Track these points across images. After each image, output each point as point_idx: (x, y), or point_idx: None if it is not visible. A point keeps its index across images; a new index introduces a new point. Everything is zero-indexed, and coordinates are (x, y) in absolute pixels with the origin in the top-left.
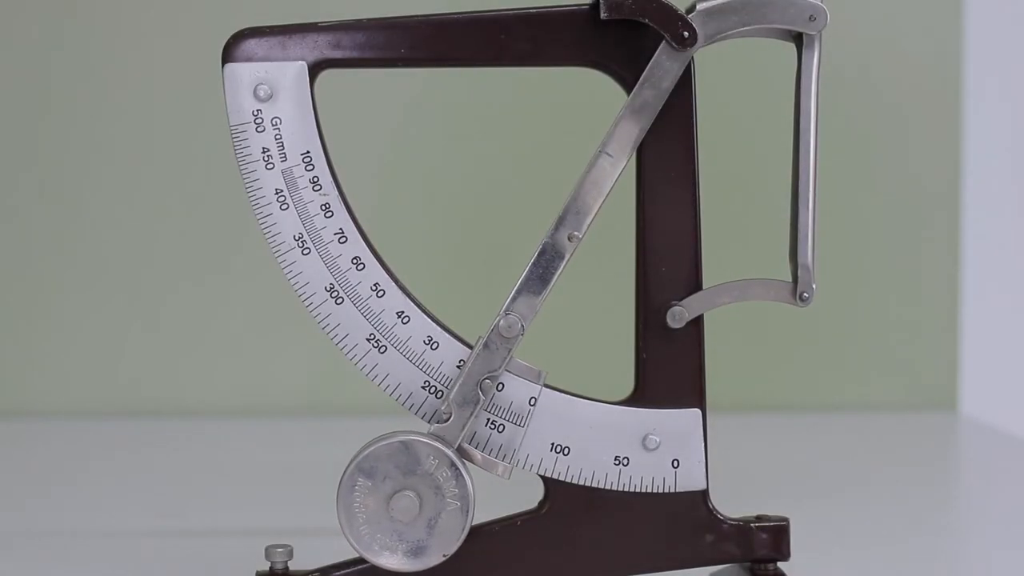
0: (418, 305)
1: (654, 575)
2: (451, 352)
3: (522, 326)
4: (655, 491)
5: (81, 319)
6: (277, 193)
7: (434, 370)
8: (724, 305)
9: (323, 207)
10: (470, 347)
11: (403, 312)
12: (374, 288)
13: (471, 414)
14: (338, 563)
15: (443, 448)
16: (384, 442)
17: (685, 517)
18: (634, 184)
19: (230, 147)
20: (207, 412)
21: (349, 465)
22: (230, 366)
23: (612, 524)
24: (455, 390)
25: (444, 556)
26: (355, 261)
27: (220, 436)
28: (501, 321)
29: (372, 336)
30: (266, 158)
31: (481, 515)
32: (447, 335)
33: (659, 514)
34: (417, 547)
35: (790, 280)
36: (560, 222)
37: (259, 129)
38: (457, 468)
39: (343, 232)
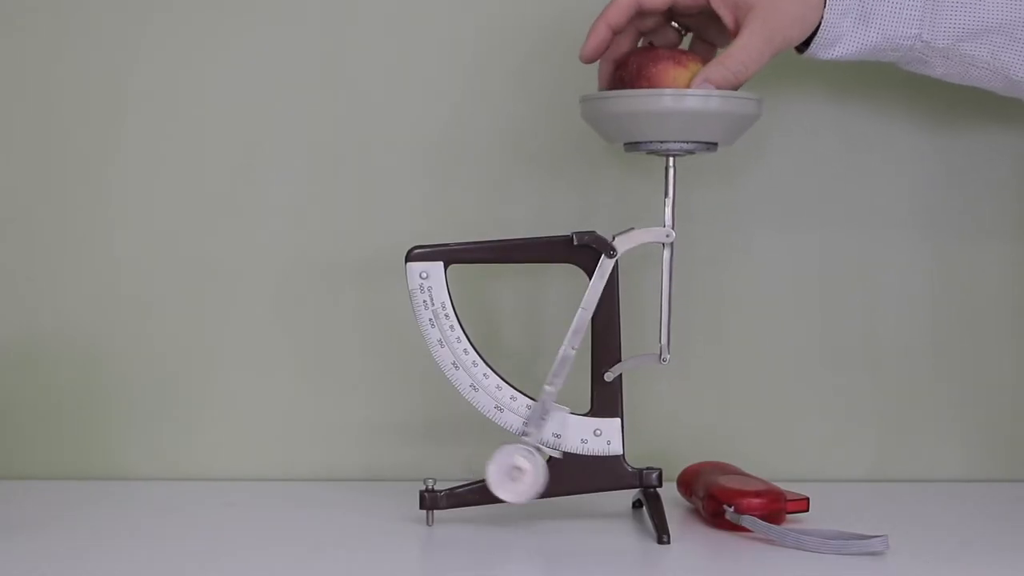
0: (518, 390)
1: (595, 493)
2: (528, 406)
3: (555, 392)
4: (600, 455)
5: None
6: (430, 322)
7: (524, 416)
8: (629, 369)
9: (450, 328)
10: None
11: (513, 396)
12: (498, 387)
13: (539, 431)
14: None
15: (528, 446)
16: (508, 445)
17: (611, 465)
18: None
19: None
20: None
21: (493, 458)
22: (222, 433)
23: (583, 468)
24: (531, 423)
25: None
26: (484, 373)
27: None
28: (546, 389)
29: (497, 406)
30: (425, 303)
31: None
32: (529, 400)
33: (600, 464)
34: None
35: (658, 353)
36: (570, 336)
37: (422, 291)
38: (534, 453)
39: (467, 350)
